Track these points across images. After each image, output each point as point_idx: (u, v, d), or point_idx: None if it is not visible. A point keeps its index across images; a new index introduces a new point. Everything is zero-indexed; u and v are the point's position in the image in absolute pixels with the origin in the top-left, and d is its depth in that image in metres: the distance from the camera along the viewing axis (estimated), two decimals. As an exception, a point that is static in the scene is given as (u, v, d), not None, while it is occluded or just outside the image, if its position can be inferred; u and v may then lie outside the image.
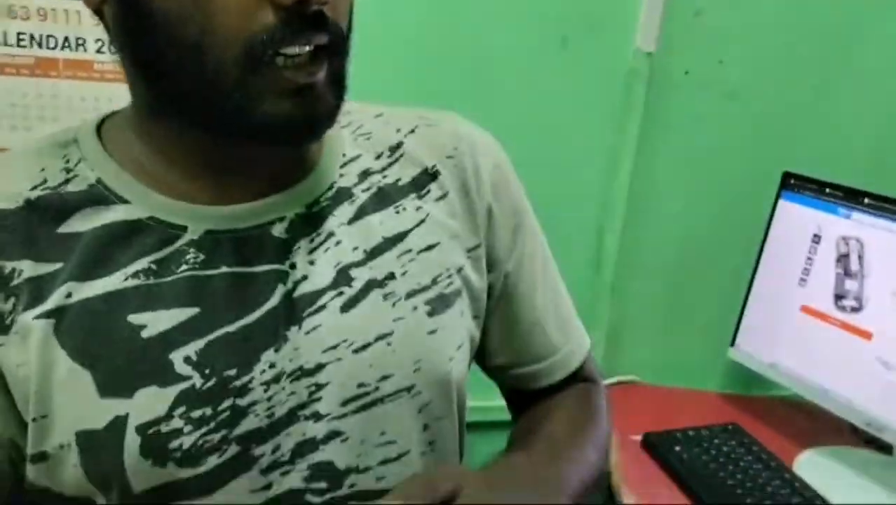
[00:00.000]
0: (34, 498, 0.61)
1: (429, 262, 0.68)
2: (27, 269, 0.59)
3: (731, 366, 1.40)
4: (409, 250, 0.68)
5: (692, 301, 1.41)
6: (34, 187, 0.61)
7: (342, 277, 0.64)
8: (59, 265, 0.59)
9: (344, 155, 0.69)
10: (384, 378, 0.64)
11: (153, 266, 0.60)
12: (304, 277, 0.63)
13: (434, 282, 0.68)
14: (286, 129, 0.57)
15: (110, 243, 0.60)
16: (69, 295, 0.58)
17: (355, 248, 0.66)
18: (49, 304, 0.58)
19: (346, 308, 0.64)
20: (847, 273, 1.15)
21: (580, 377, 0.82)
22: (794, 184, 1.24)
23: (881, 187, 1.14)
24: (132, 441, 0.57)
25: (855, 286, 1.14)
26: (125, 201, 0.61)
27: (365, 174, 0.69)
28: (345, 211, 0.66)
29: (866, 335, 1.12)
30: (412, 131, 0.73)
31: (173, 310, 0.60)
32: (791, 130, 1.34)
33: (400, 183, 0.70)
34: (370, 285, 0.65)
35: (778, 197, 1.26)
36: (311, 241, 0.64)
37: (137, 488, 0.58)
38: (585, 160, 1.31)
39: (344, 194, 0.67)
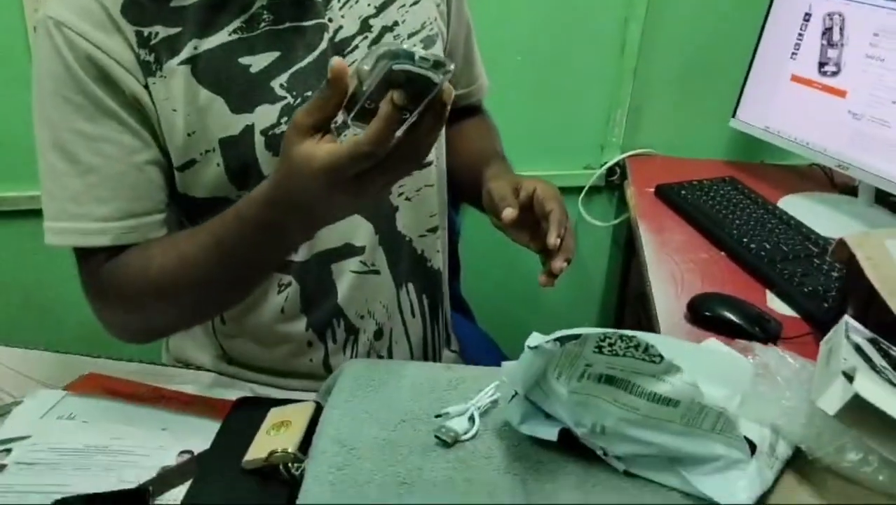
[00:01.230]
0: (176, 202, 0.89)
1: (417, 13, 0.97)
2: (160, 31, 0.83)
3: (733, 138, 1.67)
4: (404, 5, 0.96)
5: (703, 82, 1.66)
6: None
7: (364, 25, 0.92)
8: (179, 29, 0.83)
9: None
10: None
11: (243, 24, 0.86)
12: (340, 27, 0.90)
13: (423, 26, 0.97)
14: None
15: (209, 11, 0.84)
16: (196, 48, 0.84)
17: (369, 5, 0.93)
18: (184, 54, 0.83)
19: (371, 45, 0.92)
20: (830, 43, 1.39)
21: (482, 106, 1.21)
22: (792, -29, 1.45)
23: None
24: (259, 140, 0.86)
25: (835, 54, 1.38)
26: None
27: None
28: None
29: (842, 94, 1.38)
30: None
31: (265, 54, 0.86)
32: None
33: None
34: (384, 30, 0.93)
35: (778, -16, 1.48)
36: (339, 1, 0.91)
37: (266, 172, 0.86)
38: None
39: None
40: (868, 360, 0.62)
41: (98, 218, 0.83)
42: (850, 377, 0.56)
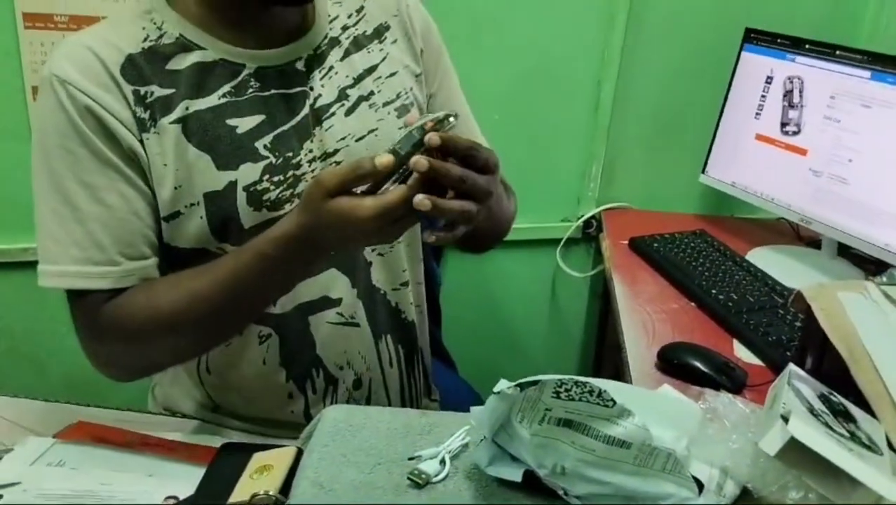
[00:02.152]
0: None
1: (393, 84, 1.04)
2: (156, 91, 0.90)
3: (704, 192, 1.74)
4: (380, 76, 1.03)
5: (673, 140, 1.74)
6: (144, 40, 0.91)
7: (342, 94, 0.99)
8: (173, 90, 0.90)
9: (329, 15, 1.02)
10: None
11: (232, 90, 0.93)
12: (320, 95, 0.98)
13: (398, 96, 1.03)
14: None
15: (202, 75, 0.92)
16: (187, 108, 0.90)
17: (347, 76, 1.00)
18: (176, 114, 0.90)
19: (347, 114, 0.99)
20: (790, 105, 1.47)
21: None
22: (754, 37, 1.54)
23: (828, 36, 1.45)
24: (241, 196, 0.92)
25: (796, 115, 1.46)
26: (202, 48, 0.92)
27: (344, 28, 1.03)
28: (337, 52, 1.00)
29: (802, 152, 1.45)
30: None
31: (251, 117, 0.93)
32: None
33: (366, 33, 1.04)
34: (360, 99, 1.00)
35: (741, 49, 1.56)
36: (320, 72, 0.98)
37: (246, 226, 0.92)
38: (585, 23, 1.61)
39: (334, 42, 1.01)
40: (807, 404, 0.67)
41: (99, 262, 0.88)
42: (787, 420, 0.61)
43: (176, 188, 0.90)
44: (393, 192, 0.76)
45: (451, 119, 0.77)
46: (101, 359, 0.94)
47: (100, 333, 0.92)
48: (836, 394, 0.74)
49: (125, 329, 0.90)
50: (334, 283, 1.00)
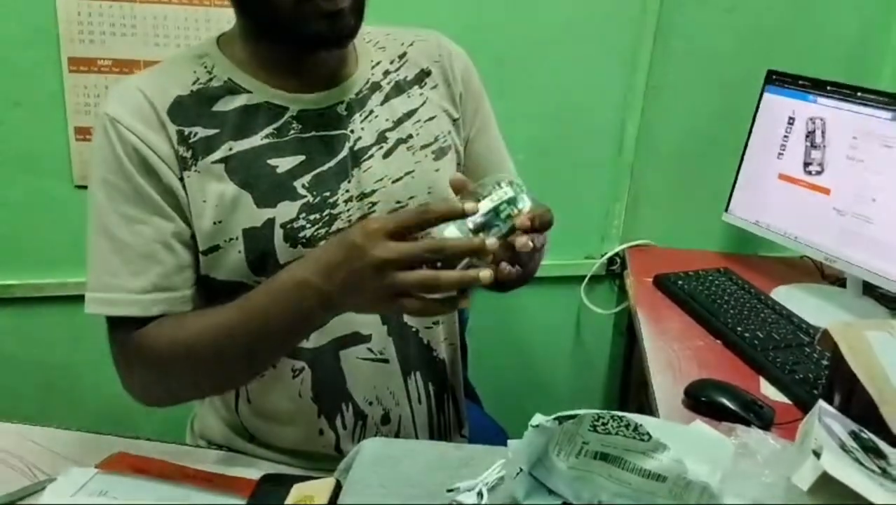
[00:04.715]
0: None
1: (431, 127, 1.07)
2: (200, 132, 0.95)
3: (727, 231, 1.76)
4: (419, 120, 1.07)
5: (696, 178, 1.76)
6: (194, 83, 0.97)
7: (381, 137, 1.03)
8: (217, 130, 0.95)
9: (371, 61, 1.06)
10: (411, 197, 1.03)
11: (274, 131, 0.97)
12: (359, 138, 1.01)
13: (435, 140, 1.07)
14: (324, 40, 0.93)
15: (246, 117, 0.97)
16: (230, 149, 0.95)
17: (387, 120, 1.04)
18: (219, 154, 0.95)
19: (385, 156, 1.03)
20: (813, 145, 1.49)
21: None
22: (776, 79, 1.57)
23: (847, 78, 1.48)
24: (278, 233, 0.95)
25: (819, 155, 1.48)
26: (248, 91, 0.97)
27: (386, 73, 1.07)
28: (377, 97, 1.04)
29: (826, 191, 1.47)
30: (411, 44, 1.11)
31: (291, 157, 0.97)
32: (776, 36, 1.67)
33: (407, 79, 1.09)
34: (398, 142, 1.04)
35: (763, 91, 1.59)
36: (361, 115, 1.02)
37: (282, 261, 0.95)
38: (609, 63, 1.66)
39: (376, 86, 1.05)
40: (838, 440, 0.68)
41: (130, 290, 0.92)
42: (819, 455, 0.62)
43: (215, 223, 0.94)
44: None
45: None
46: (129, 383, 0.96)
47: (129, 361, 0.95)
48: (866, 431, 0.76)
49: (148, 356, 0.93)
50: (364, 319, 1.02)
